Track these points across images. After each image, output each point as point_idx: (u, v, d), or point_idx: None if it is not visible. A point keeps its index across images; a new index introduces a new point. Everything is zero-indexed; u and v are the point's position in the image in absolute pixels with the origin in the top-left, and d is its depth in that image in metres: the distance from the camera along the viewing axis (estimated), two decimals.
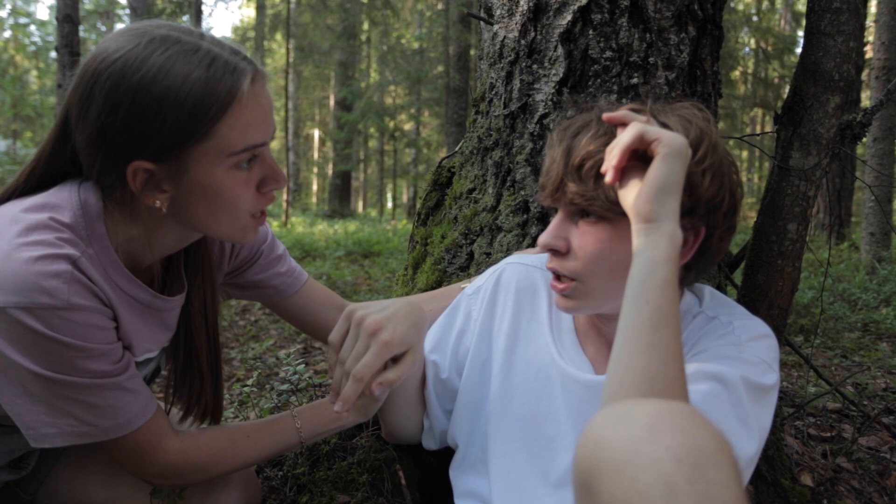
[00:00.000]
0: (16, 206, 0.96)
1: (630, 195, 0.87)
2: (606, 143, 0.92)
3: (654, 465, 0.60)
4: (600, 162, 0.92)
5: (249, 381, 2.13)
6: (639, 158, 0.89)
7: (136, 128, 0.91)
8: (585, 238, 0.96)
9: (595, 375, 1.06)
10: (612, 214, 0.93)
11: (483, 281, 1.25)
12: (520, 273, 1.21)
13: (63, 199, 0.97)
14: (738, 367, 0.91)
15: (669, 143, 0.84)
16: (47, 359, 0.91)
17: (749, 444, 0.87)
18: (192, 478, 1.12)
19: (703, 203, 0.92)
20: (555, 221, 1.00)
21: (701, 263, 0.99)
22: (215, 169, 0.96)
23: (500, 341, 1.18)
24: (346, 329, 1.03)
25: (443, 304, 1.40)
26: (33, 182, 1.03)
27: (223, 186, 0.98)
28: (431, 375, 1.24)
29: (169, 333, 1.19)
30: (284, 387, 2.03)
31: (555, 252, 0.99)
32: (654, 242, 0.83)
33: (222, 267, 1.29)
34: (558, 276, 1.01)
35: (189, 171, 0.96)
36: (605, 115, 0.92)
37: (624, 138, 0.87)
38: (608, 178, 0.88)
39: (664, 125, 0.93)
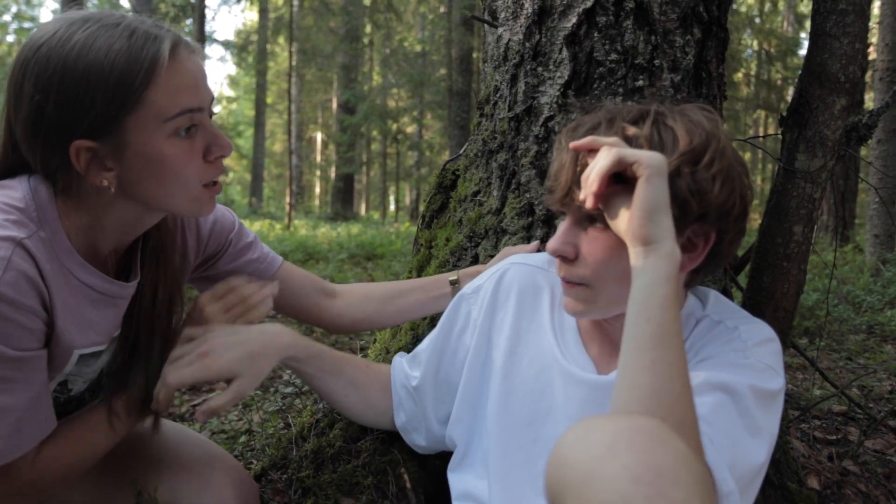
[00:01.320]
0: None
1: (620, 220, 0.87)
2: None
3: (612, 484, 0.60)
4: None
5: None
6: (617, 181, 0.88)
7: (68, 106, 0.93)
8: (594, 244, 0.96)
9: (598, 375, 1.06)
10: None
11: (483, 280, 1.24)
12: (522, 273, 1.20)
13: (14, 188, 0.98)
14: (745, 375, 0.90)
15: (650, 164, 0.84)
16: None
17: (758, 454, 0.87)
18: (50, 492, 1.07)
19: (714, 209, 0.91)
20: (563, 227, 0.99)
21: (709, 267, 0.99)
22: (154, 137, 0.97)
23: (501, 341, 1.18)
24: (186, 345, 1.14)
25: (429, 295, 1.43)
26: None
27: (165, 155, 0.98)
28: (399, 379, 1.30)
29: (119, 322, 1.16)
30: (289, 389, 2.03)
31: (563, 259, 0.99)
32: (653, 263, 0.83)
33: (188, 260, 1.27)
34: (568, 281, 1.00)
35: (129, 144, 0.96)
36: (572, 145, 0.92)
37: (601, 164, 0.86)
38: (588, 205, 0.88)
39: (670, 129, 0.92)
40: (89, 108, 0.93)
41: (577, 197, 0.94)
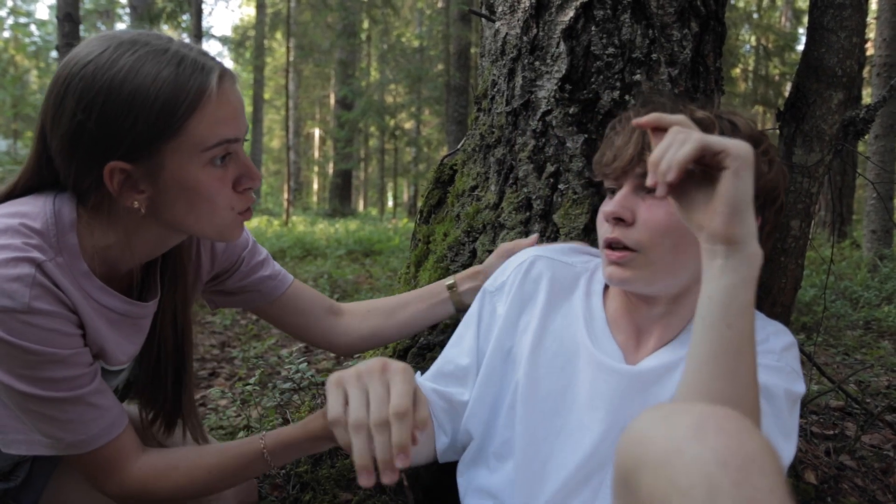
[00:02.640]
0: None
1: (695, 213, 0.81)
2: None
3: (698, 465, 0.59)
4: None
5: (251, 380, 2.13)
6: (690, 169, 0.81)
7: (109, 127, 0.94)
8: (655, 210, 0.94)
9: (626, 365, 1.04)
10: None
11: (506, 276, 1.21)
12: (553, 267, 1.17)
13: (36, 208, 0.99)
14: (779, 378, 0.91)
15: (739, 155, 0.77)
16: (7, 365, 0.92)
17: (788, 456, 0.88)
18: None
19: (764, 193, 0.91)
20: (622, 193, 0.98)
21: None
22: (190, 165, 0.98)
23: (527, 334, 1.15)
24: (342, 395, 0.80)
25: (429, 303, 1.40)
26: (16, 195, 1.04)
27: (199, 182, 0.99)
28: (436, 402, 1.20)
29: (142, 341, 1.19)
30: (287, 385, 2.03)
31: (619, 221, 0.97)
32: (736, 265, 0.78)
33: (201, 276, 1.29)
34: (616, 246, 0.98)
35: (164, 169, 0.97)
36: (635, 122, 0.85)
37: (683, 151, 0.77)
38: (658, 193, 0.80)
39: (732, 124, 0.92)
40: (130, 130, 0.94)
41: (637, 170, 0.93)
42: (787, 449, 0.88)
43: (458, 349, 1.22)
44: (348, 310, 1.45)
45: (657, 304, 1.04)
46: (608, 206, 0.97)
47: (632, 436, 0.66)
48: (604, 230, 1.01)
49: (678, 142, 0.79)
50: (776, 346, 0.96)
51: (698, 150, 0.77)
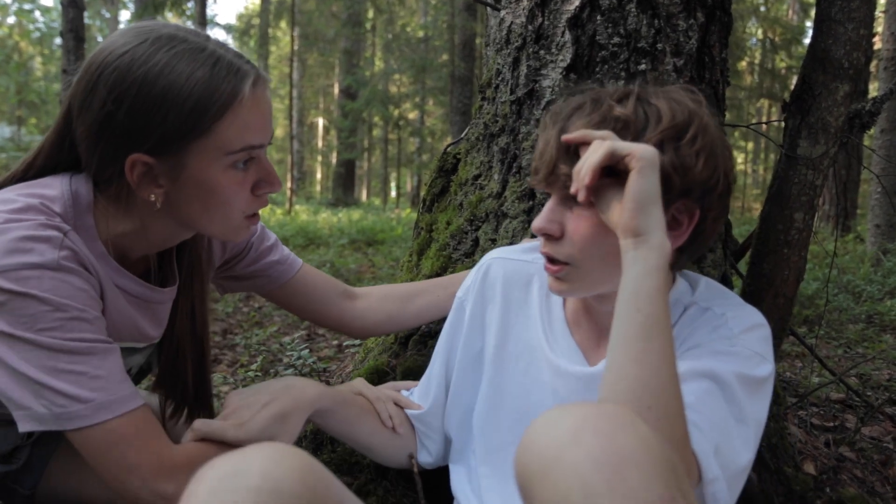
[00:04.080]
0: (10, 192, 0.98)
1: (612, 211, 0.88)
2: (599, 125, 0.92)
3: (574, 469, 0.60)
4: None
5: (253, 367, 2.14)
6: (608, 173, 0.88)
7: (138, 120, 0.93)
8: (580, 222, 0.95)
9: (586, 367, 1.05)
10: None
11: (470, 280, 1.25)
12: (506, 267, 1.20)
13: (55, 190, 0.99)
14: (731, 363, 0.90)
15: (643, 156, 0.84)
16: (35, 322, 0.90)
17: (745, 441, 0.87)
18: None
19: (698, 185, 0.91)
20: (548, 206, 0.99)
21: (694, 246, 0.98)
22: (212, 166, 0.98)
23: (490, 336, 1.18)
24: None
25: (448, 291, 1.40)
26: (32, 174, 1.04)
27: (218, 184, 0.99)
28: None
29: (160, 329, 1.19)
30: (289, 372, 2.04)
31: (548, 237, 0.99)
32: (643, 254, 0.83)
33: (213, 263, 1.29)
34: (552, 260, 1.00)
35: (186, 167, 0.97)
36: (564, 137, 0.92)
37: (594, 157, 0.86)
38: (580, 198, 0.88)
39: (654, 106, 0.92)
40: (159, 126, 0.94)
41: (562, 174, 0.94)
42: (743, 433, 0.87)
43: (427, 392, 1.28)
44: (363, 294, 1.45)
45: (610, 302, 1.04)
46: (536, 221, 0.98)
47: (523, 444, 0.67)
48: (540, 242, 1.02)
49: (592, 149, 0.87)
50: (734, 329, 0.95)
51: (607, 155, 0.85)
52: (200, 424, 1.05)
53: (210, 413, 1.26)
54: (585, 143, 0.90)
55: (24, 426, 0.92)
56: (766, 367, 0.93)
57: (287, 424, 1.06)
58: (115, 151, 0.96)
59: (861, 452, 1.80)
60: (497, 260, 1.22)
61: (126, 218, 1.04)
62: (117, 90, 0.93)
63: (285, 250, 1.39)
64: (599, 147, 0.86)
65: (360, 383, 1.29)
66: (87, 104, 0.96)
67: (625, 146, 0.85)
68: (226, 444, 1.02)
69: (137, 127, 0.94)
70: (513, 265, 1.20)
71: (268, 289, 1.38)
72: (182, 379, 1.22)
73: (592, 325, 1.09)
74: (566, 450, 0.62)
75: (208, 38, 1.00)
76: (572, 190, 0.90)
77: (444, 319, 1.31)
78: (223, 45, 1.00)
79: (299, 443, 1.49)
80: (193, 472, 0.96)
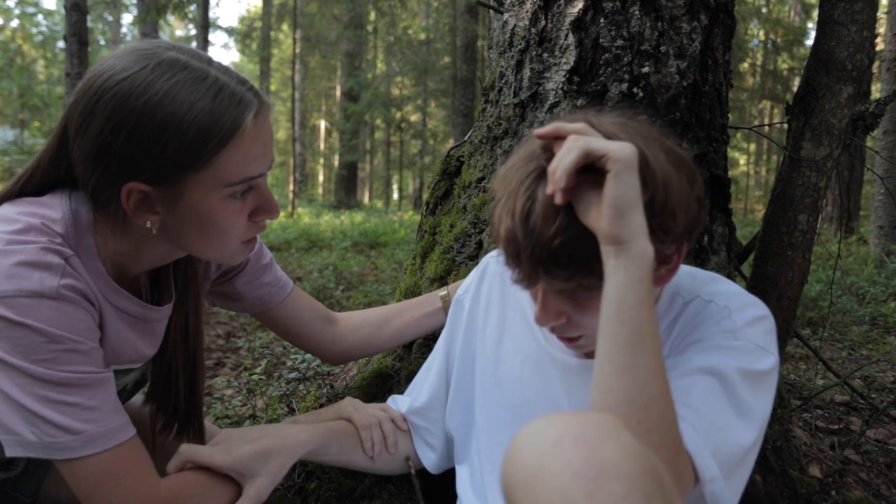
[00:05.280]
0: (10, 209, 0.97)
1: (590, 214, 0.81)
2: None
3: (555, 480, 0.60)
4: (575, 240, 0.82)
5: (258, 370, 2.14)
6: (585, 171, 0.81)
7: (136, 150, 0.91)
8: (587, 311, 0.90)
9: (583, 358, 1.05)
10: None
11: (470, 279, 1.26)
12: (501, 266, 1.20)
13: (55, 210, 0.97)
14: (733, 357, 0.89)
15: (620, 158, 0.78)
16: (30, 352, 0.88)
17: (747, 436, 0.87)
18: None
19: (682, 232, 0.88)
20: (541, 299, 0.92)
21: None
22: (210, 197, 0.96)
23: (487, 333, 1.19)
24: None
25: (423, 312, 1.44)
26: (29, 190, 1.02)
27: (216, 214, 0.98)
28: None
29: (157, 346, 1.19)
30: (293, 375, 2.04)
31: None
32: (625, 263, 0.79)
33: (209, 275, 1.29)
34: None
35: (184, 197, 0.96)
36: (537, 132, 0.85)
37: (568, 159, 0.79)
38: (557, 200, 0.81)
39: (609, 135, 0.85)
40: (157, 157, 0.91)
41: (545, 282, 0.87)
42: (745, 429, 0.86)
43: (423, 385, 1.28)
44: (342, 319, 1.45)
45: None
46: (539, 318, 0.92)
47: (507, 453, 0.67)
48: (534, 316, 0.96)
49: (567, 149, 0.80)
50: (737, 322, 0.94)
51: (582, 155, 0.79)
52: (187, 448, 1.04)
53: (200, 428, 1.26)
54: (560, 138, 0.84)
55: (10, 451, 0.91)
56: (769, 360, 0.92)
57: (271, 463, 1.05)
58: (112, 178, 0.94)
59: (866, 455, 1.80)
60: (494, 259, 1.23)
61: (123, 239, 1.03)
62: (115, 119, 0.90)
63: (278, 271, 1.39)
64: (574, 146, 0.80)
65: (349, 404, 1.28)
66: (83, 129, 0.93)
67: (601, 146, 0.79)
68: (211, 474, 1.03)
69: (135, 157, 0.91)
70: None
71: (258, 310, 1.38)
72: (174, 393, 1.21)
73: None
74: (547, 460, 0.62)
75: (210, 61, 0.97)
76: (548, 191, 0.82)
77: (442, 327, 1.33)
78: (226, 71, 0.97)
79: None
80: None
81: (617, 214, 0.78)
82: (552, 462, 0.61)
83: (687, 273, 1.06)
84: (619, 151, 0.78)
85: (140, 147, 0.91)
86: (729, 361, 0.89)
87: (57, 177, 1.01)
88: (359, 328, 1.44)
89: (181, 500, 1.00)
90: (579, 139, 0.81)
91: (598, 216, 0.80)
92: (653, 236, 0.82)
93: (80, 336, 0.92)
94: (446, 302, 1.43)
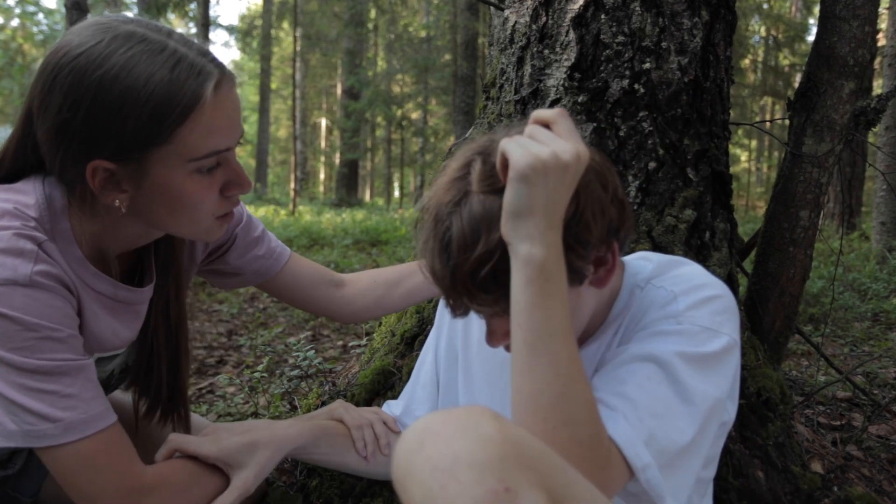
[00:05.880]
0: None
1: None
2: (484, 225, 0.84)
3: (418, 476, 0.62)
4: (494, 263, 0.83)
5: (259, 367, 2.15)
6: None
7: (95, 126, 0.89)
8: None
9: None
10: None
11: None
12: None
13: (28, 195, 0.96)
14: (674, 342, 0.89)
15: (514, 167, 0.79)
16: (5, 341, 0.87)
17: (689, 424, 0.86)
18: None
19: (602, 234, 0.88)
20: (487, 324, 0.94)
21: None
22: (176, 172, 0.94)
23: (468, 333, 1.19)
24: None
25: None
26: (1, 176, 1.01)
27: (184, 190, 0.96)
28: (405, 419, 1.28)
29: (138, 328, 1.17)
30: (295, 372, 2.04)
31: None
32: (515, 267, 0.81)
33: (195, 257, 1.27)
34: None
35: (150, 174, 0.94)
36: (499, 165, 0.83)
37: (496, 159, 0.82)
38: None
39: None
40: (117, 133, 0.89)
41: (472, 306, 0.88)
42: (688, 414, 0.85)
43: (416, 386, 1.29)
44: (350, 280, 1.45)
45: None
46: (486, 339, 0.94)
47: (393, 459, 0.69)
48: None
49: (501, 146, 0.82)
50: (680, 306, 0.93)
51: (501, 159, 0.81)
52: (175, 437, 1.04)
53: (186, 414, 1.25)
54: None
55: None
56: (717, 341, 0.90)
57: (258, 455, 1.05)
58: (75, 157, 0.92)
59: (868, 451, 1.80)
60: None
61: (96, 219, 1.01)
62: (73, 95, 0.88)
63: (272, 242, 1.37)
64: (501, 146, 0.81)
65: (339, 406, 1.28)
66: (44, 108, 0.92)
67: (506, 148, 0.80)
68: (198, 463, 1.03)
69: (95, 134, 0.90)
70: None
71: (256, 282, 1.37)
72: (156, 377, 1.19)
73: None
74: (412, 457, 0.64)
75: (171, 33, 0.94)
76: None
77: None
78: (186, 42, 0.94)
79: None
80: (164, 492, 0.98)
81: (509, 218, 0.80)
82: (415, 460, 0.63)
83: (654, 262, 1.04)
84: (515, 160, 0.79)
85: (99, 123, 0.89)
86: (669, 346, 0.88)
87: (27, 161, 1.00)
88: (369, 290, 1.43)
89: (166, 488, 0.99)
90: (511, 140, 0.82)
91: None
92: (571, 248, 0.84)
93: (56, 323, 0.91)
94: None
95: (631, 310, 0.99)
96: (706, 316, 0.92)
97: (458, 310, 0.90)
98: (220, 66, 0.95)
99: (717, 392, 0.89)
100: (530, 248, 0.80)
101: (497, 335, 0.93)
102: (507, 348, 0.93)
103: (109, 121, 0.89)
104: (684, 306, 0.93)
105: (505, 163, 0.81)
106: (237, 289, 1.44)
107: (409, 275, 1.44)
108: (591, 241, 0.86)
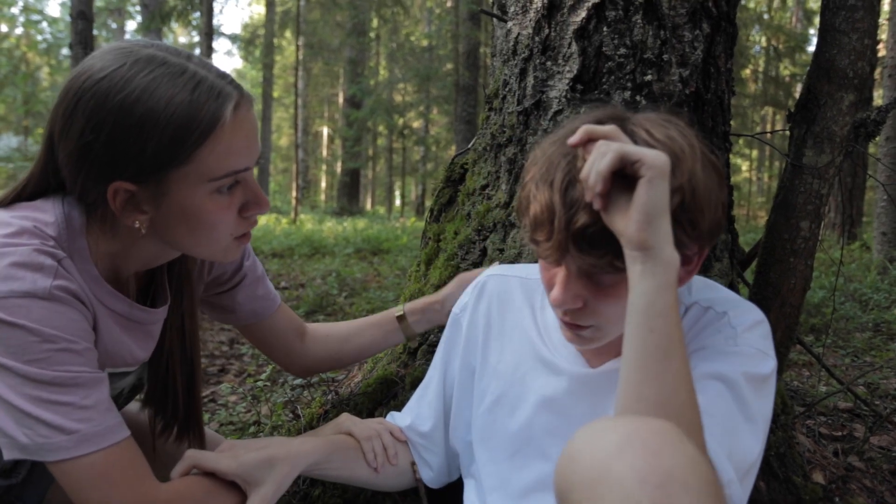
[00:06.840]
0: (4, 214, 0.97)
1: (618, 219, 0.82)
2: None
3: (619, 483, 0.60)
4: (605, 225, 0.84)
5: (262, 376, 2.15)
6: (618, 177, 0.82)
7: (117, 148, 0.91)
8: (606, 298, 0.91)
9: (588, 369, 1.05)
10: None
11: (466, 297, 1.26)
12: (500, 284, 1.21)
13: (47, 213, 0.98)
14: (737, 362, 0.90)
15: (653, 165, 0.79)
16: (22, 352, 0.88)
17: (755, 440, 0.87)
18: None
19: (706, 233, 0.89)
20: (563, 279, 0.91)
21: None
22: (195, 193, 0.96)
23: (486, 352, 1.19)
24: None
25: (382, 331, 1.45)
26: (25, 197, 1.03)
27: (203, 210, 0.98)
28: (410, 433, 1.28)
29: (152, 348, 1.18)
30: (297, 381, 2.04)
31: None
32: (652, 269, 0.79)
33: (202, 278, 1.28)
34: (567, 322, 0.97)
35: (169, 194, 0.96)
36: (569, 142, 0.85)
37: (602, 163, 0.80)
38: (596, 206, 0.82)
39: (646, 142, 0.86)
40: (138, 154, 0.91)
41: (575, 259, 0.87)
42: (753, 432, 0.87)
43: (422, 402, 1.28)
44: (309, 332, 1.46)
45: None
46: (555, 298, 0.91)
47: (565, 455, 0.67)
48: (552, 297, 0.94)
49: (600, 154, 0.81)
50: (737, 328, 0.94)
51: (617, 160, 0.79)
52: (192, 454, 1.04)
53: (200, 432, 1.26)
54: (592, 141, 0.84)
55: (7, 454, 0.91)
56: (769, 364, 0.92)
57: (276, 472, 1.05)
58: (96, 179, 0.94)
59: (870, 462, 1.80)
60: (493, 277, 1.23)
61: (114, 239, 1.03)
62: (95, 118, 0.91)
63: (269, 284, 1.39)
64: (607, 150, 0.80)
65: (346, 419, 1.28)
66: (65, 132, 0.94)
67: (635, 151, 0.80)
68: (214, 480, 1.03)
69: (116, 156, 0.92)
70: (508, 281, 1.21)
71: (247, 321, 1.37)
72: (172, 396, 1.21)
73: None
74: (611, 462, 0.61)
75: (190, 56, 0.96)
76: (587, 198, 0.83)
77: (442, 328, 1.33)
78: (205, 65, 0.97)
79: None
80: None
81: (646, 220, 0.79)
82: (616, 465, 0.61)
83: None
84: (653, 158, 0.79)
85: (121, 145, 0.91)
86: (734, 367, 0.90)
87: (48, 184, 1.01)
88: (324, 344, 1.45)
89: (182, 503, 0.99)
90: (611, 144, 0.81)
91: (625, 221, 0.80)
92: (680, 230, 0.83)
93: (73, 336, 0.92)
94: (404, 323, 1.44)
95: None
96: (758, 339, 0.94)
97: (557, 255, 0.88)
98: (238, 87, 0.98)
99: (769, 412, 0.92)
100: (671, 252, 0.80)
101: (569, 296, 0.90)
102: (566, 314, 0.94)
103: (131, 143, 0.91)
104: (741, 329, 0.95)
105: (618, 163, 0.79)
106: (224, 323, 1.44)
107: (358, 333, 1.46)
108: (700, 227, 0.87)
